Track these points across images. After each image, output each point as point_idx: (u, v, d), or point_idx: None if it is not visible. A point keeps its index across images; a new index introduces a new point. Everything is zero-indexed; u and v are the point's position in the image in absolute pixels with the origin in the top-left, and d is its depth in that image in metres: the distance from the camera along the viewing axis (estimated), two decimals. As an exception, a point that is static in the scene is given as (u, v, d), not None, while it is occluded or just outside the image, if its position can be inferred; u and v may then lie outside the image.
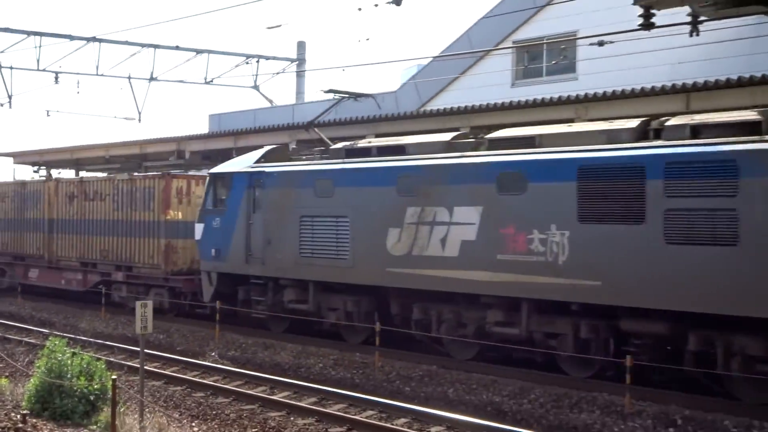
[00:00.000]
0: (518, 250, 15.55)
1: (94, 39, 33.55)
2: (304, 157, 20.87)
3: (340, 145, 20.07)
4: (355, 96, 22.07)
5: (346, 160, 19.02)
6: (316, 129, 22.54)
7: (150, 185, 25.05)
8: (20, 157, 39.32)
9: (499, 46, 27.08)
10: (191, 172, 28.21)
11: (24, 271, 30.84)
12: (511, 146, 16.30)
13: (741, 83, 17.53)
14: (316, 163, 19.95)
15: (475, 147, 17.11)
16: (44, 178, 30.79)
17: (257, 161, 21.30)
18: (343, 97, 22.03)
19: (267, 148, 22.14)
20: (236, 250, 21.15)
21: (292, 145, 26.74)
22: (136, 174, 26.56)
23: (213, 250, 21.82)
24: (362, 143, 19.73)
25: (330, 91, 21.93)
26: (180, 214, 24.53)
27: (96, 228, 27.00)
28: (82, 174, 37.30)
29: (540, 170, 15.47)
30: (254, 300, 21.25)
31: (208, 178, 22.85)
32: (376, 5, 33.07)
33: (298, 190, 19.73)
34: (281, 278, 20.43)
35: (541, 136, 16.03)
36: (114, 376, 11.63)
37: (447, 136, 17.98)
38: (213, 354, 19.09)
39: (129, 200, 25.75)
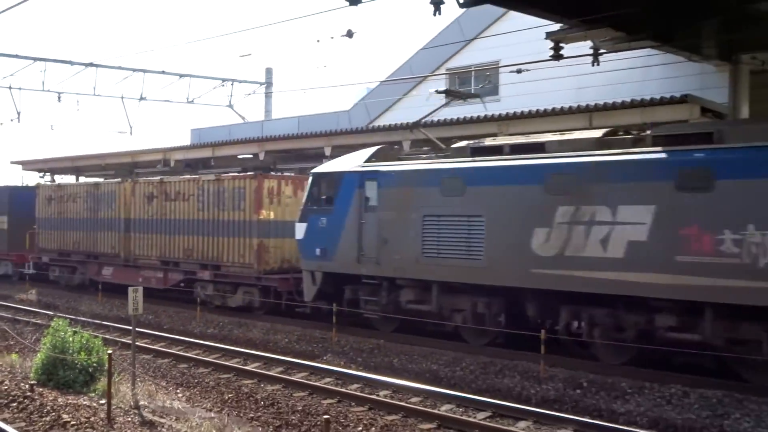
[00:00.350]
0: (704, 252, 12.42)
1: (91, 64, 33.52)
2: (424, 156, 17.42)
3: (463, 143, 17.06)
4: (464, 97, 20.18)
5: (476, 158, 15.78)
6: (422, 129, 20.06)
7: (241, 185, 21.19)
8: (28, 165, 38.54)
9: (435, 73, 27.19)
10: (264, 172, 23.82)
11: (97, 268, 26.44)
12: (683, 142, 13.21)
13: (633, 105, 17.74)
14: (442, 161, 16.42)
15: (635, 143, 14.08)
16: (119, 180, 26.09)
17: (367, 160, 17.85)
18: (452, 99, 19.71)
19: (375, 147, 18.75)
20: (345, 250, 17.50)
21: (261, 156, 26.58)
22: (224, 175, 22.58)
23: (318, 250, 18.09)
24: (489, 141, 16.60)
25: (443, 91, 19.60)
26: (272, 213, 20.96)
27: (179, 227, 23.00)
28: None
29: (733, 166, 12.33)
30: (365, 300, 17.58)
31: (311, 177, 18.94)
32: (332, 37, 33.29)
33: (420, 189, 16.25)
34: (398, 278, 16.87)
35: (720, 131, 13.01)
36: (110, 351, 11.49)
37: (597, 133, 15.01)
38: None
39: (216, 200, 21.84)
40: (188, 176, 24.19)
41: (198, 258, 22.49)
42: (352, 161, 18.37)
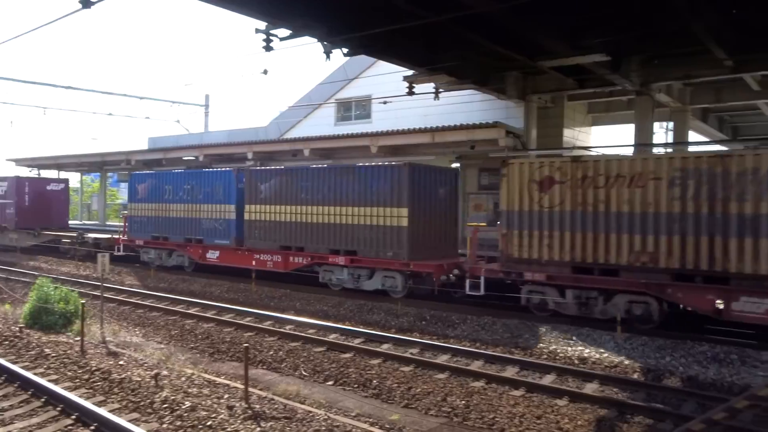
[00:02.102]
0: None
1: (70, 87, 31.26)
2: None
3: None
4: None
5: None
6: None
7: None
8: (20, 162, 35.21)
9: (327, 102, 26.97)
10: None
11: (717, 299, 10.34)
12: None
13: (462, 127, 18.18)
14: None
15: None
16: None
17: None
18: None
19: None
20: None
21: (201, 158, 25.54)
22: None
23: None
24: None
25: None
26: None
27: None
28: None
29: None
30: None
31: None
32: (252, 74, 32.11)
33: None
34: None
35: None
36: (83, 301, 10.89)
37: None
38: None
39: None
40: None
41: None
42: None
